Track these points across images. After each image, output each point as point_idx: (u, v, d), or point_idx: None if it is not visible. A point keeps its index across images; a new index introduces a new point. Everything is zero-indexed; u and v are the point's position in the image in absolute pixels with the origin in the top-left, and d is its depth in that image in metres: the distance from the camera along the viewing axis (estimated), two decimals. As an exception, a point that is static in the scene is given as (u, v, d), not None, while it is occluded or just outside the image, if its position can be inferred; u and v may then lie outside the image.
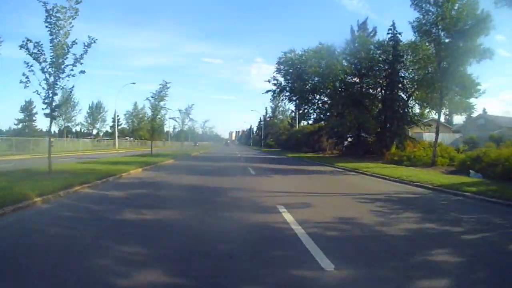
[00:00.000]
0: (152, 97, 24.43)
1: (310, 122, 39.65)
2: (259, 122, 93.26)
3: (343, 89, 22.87)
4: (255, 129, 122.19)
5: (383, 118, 23.63)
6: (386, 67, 24.00)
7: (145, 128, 71.21)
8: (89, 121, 70.74)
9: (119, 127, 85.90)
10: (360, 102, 23.87)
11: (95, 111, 71.44)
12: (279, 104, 72.28)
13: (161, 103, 24.52)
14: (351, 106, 22.75)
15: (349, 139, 29.79)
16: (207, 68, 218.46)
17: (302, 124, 49.08)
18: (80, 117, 74.99)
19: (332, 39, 52.39)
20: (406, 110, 23.10)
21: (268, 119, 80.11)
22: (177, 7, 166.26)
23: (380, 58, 24.08)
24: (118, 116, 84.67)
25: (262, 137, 78.91)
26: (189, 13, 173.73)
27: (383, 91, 24.92)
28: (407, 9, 18.16)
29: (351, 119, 21.39)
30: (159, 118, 24.99)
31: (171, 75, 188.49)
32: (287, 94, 25.24)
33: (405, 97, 24.16)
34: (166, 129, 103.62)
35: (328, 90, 23.23)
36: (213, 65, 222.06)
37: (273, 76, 23.98)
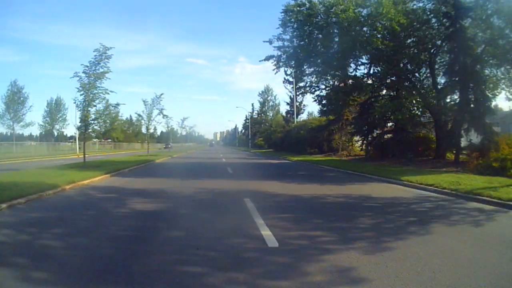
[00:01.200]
0: (84, 72, 15.16)
1: (310, 113, 31.11)
2: (245, 120, 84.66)
3: (391, 53, 14.01)
4: (240, 129, 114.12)
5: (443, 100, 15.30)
6: (445, 23, 15.67)
7: (118, 128, 58.96)
8: (48, 121, 58.99)
9: (90, 128, 74.06)
10: (408, 75, 15.42)
11: (55, 109, 59.69)
12: (268, 98, 63.62)
13: (98, 83, 15.35)
14: (404, 81, 14.23)
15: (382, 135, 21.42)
16: (191, 69, 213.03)
17: (299, 119, 40.66)
18: (33, 116, 63.46)
19: None
20: (483, 88, 14.81)
21: (255, 116, 71.28)
22: (160, 8, 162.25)
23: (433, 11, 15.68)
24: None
25: (249, 136, 69.97)
26: (172, 13, 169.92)
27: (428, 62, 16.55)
28: None
29: (412, 100, 12.73)
30: (96, 105, 15.68)
31: (154, 76, 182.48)
32: (300, 62, 16.02)
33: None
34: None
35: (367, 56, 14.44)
36: (196, 66, 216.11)
37: (277, 35, 14.95)
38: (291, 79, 40.87)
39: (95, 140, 73.85)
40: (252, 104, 72.30)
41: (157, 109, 39.09)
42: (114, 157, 24.64)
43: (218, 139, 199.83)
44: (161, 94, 28.01)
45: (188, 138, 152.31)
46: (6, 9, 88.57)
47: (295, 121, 35.31)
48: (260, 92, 65.35)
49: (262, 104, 65.32)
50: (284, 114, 41.98)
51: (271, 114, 63.76)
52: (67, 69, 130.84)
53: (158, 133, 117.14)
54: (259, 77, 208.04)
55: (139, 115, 28.46)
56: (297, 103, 40.59)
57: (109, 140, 68.36)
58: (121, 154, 35.78)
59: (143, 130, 29.61)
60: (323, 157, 24.06)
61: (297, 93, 40.71)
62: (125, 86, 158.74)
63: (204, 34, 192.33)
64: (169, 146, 57.96)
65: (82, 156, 17.28)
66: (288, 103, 40.90)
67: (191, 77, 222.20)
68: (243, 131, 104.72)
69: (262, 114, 65.12)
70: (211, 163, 20.27)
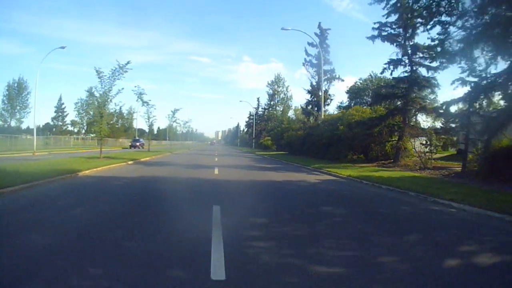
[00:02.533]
0: None
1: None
2: (249, 117, 74.82)
3: None
4: (242, 128, 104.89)
5: None
6: None
7: (103, 121, 43.24)
8: (8, 107, 48.44)
9: (66, 119, 63.32)
10: None
11: (16, 94, 49.13)
12: (279, 90, 53.22)
13: None
14: None
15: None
16: (195, 66, 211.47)
17: (325, 112, 30.65)
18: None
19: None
20: None
21: (261, 112, 61.08)
22: (165, 5, 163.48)
23: None
24: (63, 105, 62.94)
25: (253, 135, 59.94)
26: (176, 11, 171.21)
27: None
28: None
29: None
30: None
31: (157, 73, 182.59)
32: None
33: None
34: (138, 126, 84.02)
35: None
36: (200, 63, 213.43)
37: None
38: (314, 61, 30.88)
39: (87, 135, 63.77)
40: (258, 99, 61.97)
41: (135, 94, 29.39)
42: (41, 161, 14.75)
43: (219, 138, 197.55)
44: (127, 62, 17.97)
45: (188, 136, 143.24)
46: (12, 2, 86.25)
47: (323, 114, 25.15)
48: (270, 82, 54.71)
49: (271, 97, 54.64)
50: (303, 105, 31.59)
51: (281, 109, 53.36)
52: (70, 64, 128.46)
53: (148, 127, 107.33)
54: (263, 77, 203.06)
55: (90, 93, 18.37)
56: (320, 93, 30.45)
57: (84, 134, 58.26)
58: (80, 153, 25.85)
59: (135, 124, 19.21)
60: (388, 170, 13.82)
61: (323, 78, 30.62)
62: (128, 81, 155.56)
63: (208, 32, 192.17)
64: (138, 143, 42.91)
65: (41, 154, 8.16)
66: (309, 91, 30.69)
67: (195, 75, 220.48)
68: (245, 129, 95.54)
69: (270, 109, 54.72)
70: (188, 183, 10.13)
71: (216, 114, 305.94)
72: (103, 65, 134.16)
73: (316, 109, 30.14)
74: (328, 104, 30.81)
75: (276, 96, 53.91)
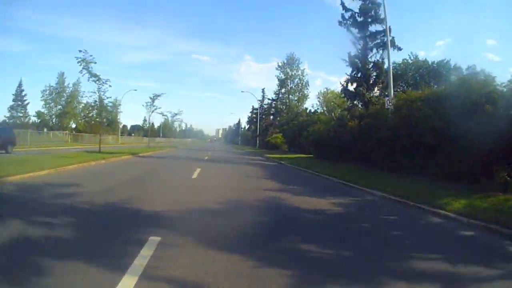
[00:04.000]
0: None
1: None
2: (252, 111, 64.12)
3: None
4: (244, 125, 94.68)
5: None
6: None
7: (72, 113, 30.79)
8: None
9: (27, 109, 50.57)
10: None
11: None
12: (293, 74, 41.92)
13: None
14: None
15: None
16: (196, 65, 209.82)
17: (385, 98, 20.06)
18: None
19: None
20: None
21: (267, 104, 50.15)
22: (167, 4, 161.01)
23: None
24: (23, 91, 51.18)
25: (258, 132, 49.01)
26: (178, 10, 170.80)
27: None
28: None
29: None
30: None
31: (159, 72, 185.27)
32: None
33: None
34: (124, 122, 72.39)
35: None
36: (201, 62, 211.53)
37: None
38: (358, 18, 20.03)
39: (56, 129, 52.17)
40: (263, 90, 50.76)
41: (78, 63, 18.84)
42: None
43: (220, 135, 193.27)
44: None
45: (186, 133, 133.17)
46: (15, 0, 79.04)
47: (392, 93, 14.22)
48: (280, 65, 43.04)
49: (282, 82, 43.08)
50: (343, 82, 20.40)
51: (295, 98, 42.05)
52: (73, 61, 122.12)
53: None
54: (264, 76, 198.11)
55: None
56: (369, 66, 19.68)
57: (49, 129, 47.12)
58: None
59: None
60: None
61: (370, 44, 19.84)
62: (130, 80, 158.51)
63: (210, 31, 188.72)
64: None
65: None
66: (351, 63, 19.78)
67: (196, 74, 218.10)
68: (247, 126, 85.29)
69: (281, 98, 43.43)
70: None
71: (217, 113, 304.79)
72: (105, 63, 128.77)
73: (364, 88, 19.36)
74: (382, 82, 19.90)
75: (289, 81, 42.47)
